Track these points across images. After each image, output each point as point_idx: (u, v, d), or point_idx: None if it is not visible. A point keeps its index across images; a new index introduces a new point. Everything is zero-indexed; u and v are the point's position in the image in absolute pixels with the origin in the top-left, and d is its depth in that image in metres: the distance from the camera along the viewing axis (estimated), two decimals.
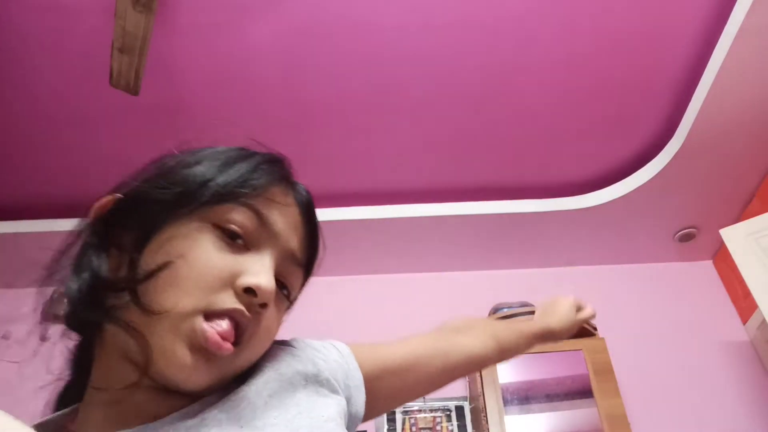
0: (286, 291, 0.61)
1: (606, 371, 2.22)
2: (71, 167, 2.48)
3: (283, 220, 0.60)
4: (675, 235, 2.76)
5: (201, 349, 0.51)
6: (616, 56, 2.14)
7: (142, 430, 0.50)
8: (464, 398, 2.42)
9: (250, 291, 0.53)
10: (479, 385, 2.21)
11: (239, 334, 0.53)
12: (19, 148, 2.40)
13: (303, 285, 0.65)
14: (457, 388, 2.46)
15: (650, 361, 2.55)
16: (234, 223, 0.56)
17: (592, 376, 2.21)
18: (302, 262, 0.62)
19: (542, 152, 2.49)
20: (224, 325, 0.52)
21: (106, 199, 0.63)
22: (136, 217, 0.57)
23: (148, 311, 0.50)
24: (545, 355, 2.28)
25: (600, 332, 2.40)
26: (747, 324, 2.62)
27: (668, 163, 2.38)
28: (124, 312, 0.51)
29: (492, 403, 2.15)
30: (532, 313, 2.35)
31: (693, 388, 2.48)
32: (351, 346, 0.73)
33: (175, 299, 0.50)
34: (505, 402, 2.17)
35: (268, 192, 0.59)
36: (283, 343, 0.64)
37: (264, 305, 0.54)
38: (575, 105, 2.30)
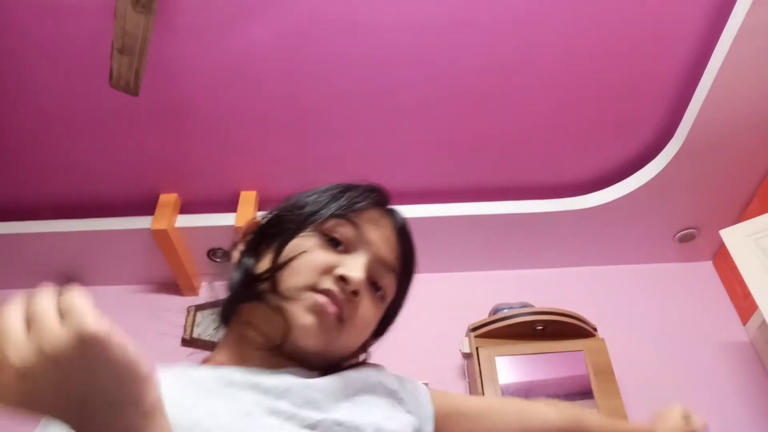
0: (380, 293, 0.75)
1: (606, 372, 2.22)
2: (71, 168, 2.47)
3: (377, 234, 0.76)
4: (675, 235, 2.76)
5: (317, 312, 0.67)
6: (615, 57, 2.14)
7: (258, 371, 0.66)
8: None
9: (342, 279, 0.69)
10: (479, 386, 2.21)
11: (339, 312, 0.69)
12: (19, 149, 2.40)
13: (400, 294, 0.80)
14: (457, 389, 2.46)
15: (650, 361, 2.55)
16: (336, 233, 0.74)
17: (592, 377, 2.21)
18: (394, 268, 0.76)
19: (542, 153, 2.49)
20: (328, 301, 0.68)
21: (254, 222, 0.82)
22: (275, 234, 0.75)
23: (279, 291, 0.69)
24: (545, 356, 2.28)
25: (600, 333, 2.40)
26: (747, 325, 2.62)
27: (668, 164, 2.38)
28: (265, 295, 0.70)
29: None
30: (532, 314, 2.36)
31: (693, 389, 2.48)
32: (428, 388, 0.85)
33: (294, 282, 0.69)
34: None
35: (367, 213, 0.77)
36: (372, 364, 0.79)
37: (355, 292, 0.70)
38: (575, 105, 2.30)
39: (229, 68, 2.14)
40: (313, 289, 0.68)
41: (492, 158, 2.48)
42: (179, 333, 2.69)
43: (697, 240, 2.78)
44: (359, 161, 2.48)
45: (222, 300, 0.75)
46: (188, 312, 2.75)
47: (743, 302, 2.63)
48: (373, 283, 0.74)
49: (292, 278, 0.69)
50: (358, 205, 0.76)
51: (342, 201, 0.76)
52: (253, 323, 0.71)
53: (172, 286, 2.81)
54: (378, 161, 2.48)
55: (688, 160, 2.35)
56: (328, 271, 0.70)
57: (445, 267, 2.83)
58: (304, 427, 0.61)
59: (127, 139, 2.37)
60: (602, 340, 2.32)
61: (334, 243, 0.73)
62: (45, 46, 2.06)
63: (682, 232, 2.74)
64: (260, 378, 0.65)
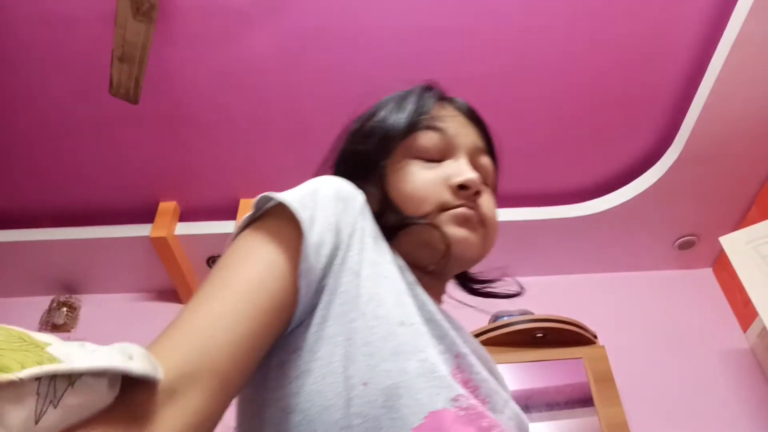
0: (485, 180, 0.76)
1: (606, 379, 2.22)
2: (70, 175, 2.48)
3: (455, 125, 0.76)
4: (674, 242, 2.76)
5: (464, 223, 0.69)
6: (614, 64, 2.15)
7: (437, 305, 0.68)
8: None
9: (462, 187, 0.69)
10: None
11: (477, 216, 0.70)
12: (18, 156, 2.40)
13: (496, 171, 0.81)
14: None
15: (651, 368, 2.54)
16: (424, 149, 0.73)
17: (592, 385, 2.20)
18: (484, 149, 0.78)
19: (541, 160, 2.49)
20: (464, 209, 0.69)
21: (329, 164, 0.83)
22: (364, 171, 0.74)
23: (416, 224, 0.68)
24: (545, 364, 2.27)
25: (600, 340, 2.39)
26: (747, 332, 2.62)
27: (667, 171, 2.38)
28: (403, 229, 0.69)
29: None
30: (532, 321, 2.35)
31: (693, 396, 2.47)
32: None
33: (423, 209, 0.68)
34: None
35: (435, 111, 0.77)
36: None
37: (477, 193, 0.71)
38: (574, 113, 2.30)
39: (229, 77, 2.14)
40: (444, 208, 0.69)
41: None
42: None
43: (697, 247, 2.78)
44: None
45: None
46: None
47: (743, 309, 2.63)
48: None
49: (420, 207, 0.69)
50: (425, 107, 0.76)
51: (411, 113, 0.75)
52: (406, 254, 0.69)
53: (172, 294, 2.81)
54: None
55: (687, 167, 2.35)
56: (443, 186, 0.70)
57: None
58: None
59: (127, 147, 2.37)
60: (602, 347, 2.32)
61: (426, 159, 0.73)
62: (45, 54, 2.07)
63: (681, 239, 2.74)
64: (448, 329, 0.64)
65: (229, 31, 2.02)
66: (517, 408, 0.70)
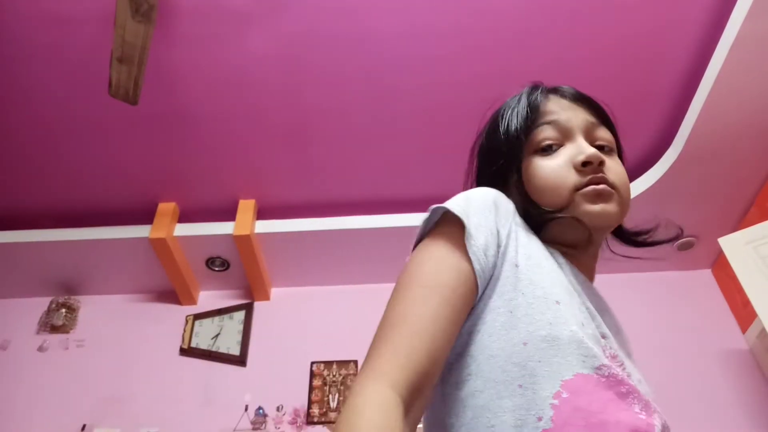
0: (607, 147, 0.84)
1: None
2: (69, 177, 2.47)
3: (564, 111, 0.84)
4: (673, 243, 2.76)
5: (596, 196, 0.77)
6: (613, 65, 2.15)
7: (578, 274, 0.81)
8: None
9: (585, 164, 0.77)
10: None
11: (606, 183, 0.78)
12: (17, 158, 2.40)
13: (616, 137, 0.88)
14: None
15: (650, 369, 2.53)
16: (543, 141, 0.82)
17: None
18: (596, 122, 0.85)
19: None
20: (594, 185, 0.78)
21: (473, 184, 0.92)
22: (499, 175, 0.85)
23: (555, 212, 0.79)
24: None
25: None
26: (746, 333, 2.62)
27: (666, 172, 2.38)
28: (549, 219, 0.80)
29: None
30: None
31: (692, 397, 2.47)
32: None
33: (559, 197, 0.78)
34: None
35: (545, 106, 0.85)
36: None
37: (601, 163, 0.78)
38: None
39: (228, 78, 2.14)
40: (577, 188, 0.77)
41: None
42: (177, 342, 2.69)
43: (696, 248, 2.78)
44: (357, 170, 2.48)
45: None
46: (186, 321, 2.75)
47: (742, 310, 2.63)
48: (599, 147, 0.82)
49: (556, 196, 0.78)
50: (535, 106, 0.85)
51: (525, 116, 0.84)
52: (556, 238, 0.81)
53: (171, 295, 2.81)
54: (376, 170, 2.49)
55: (686, 168, 2.35)
56: (569, 169, 0.79)
57: None
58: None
59: (126, 148, 2.37)
60: None
61: (547, 149, 0.82)
62: (44, 55, 2.07)
63: (680, 240, 2.74)
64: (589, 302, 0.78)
65: (228, 33, 2.02)
66: (649, 389, 0.81)
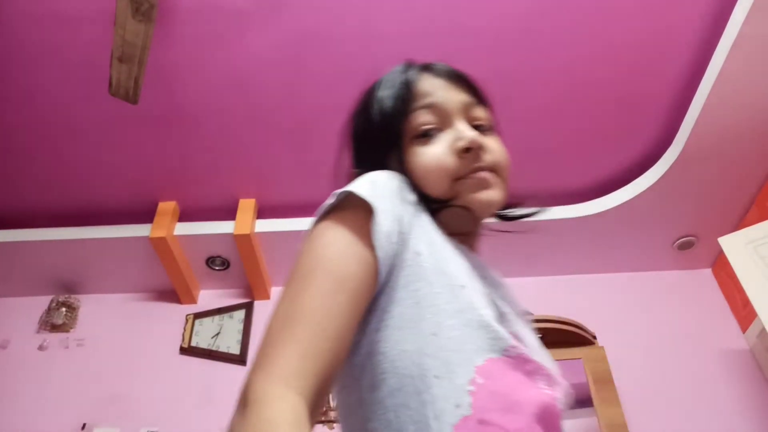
0: (484, 126, 0.84)
1: (605, 380, 2.22)
2: (69, 175, 2.48)
3: (440, 93, 0.82)
4: (674, 243, 2.76)
5: (480, 185, 0.78)
6: (614, 65, 2.15)
7: (472, 256, 0.81)
8: None
9: (466, 150, 0.77)
10: None
11: (488, 168, 0.79)
12: (17, 156, 2.40)
13: (489, 110, 0.88)
14: None
15: (650, 369, 2.54)
16: (422, 126, 0.80)
17: (591, 385, 2.20)
18: (473, 102, 0.85)
19: (540, 161, 2.49)
20: (476, 173, 0.78)
21: (350, 173, 0.89)
22: (373, 162, 0.81)
23: (440, 200, 0.78)
24: None
25: (599, 341, 2.39)
26: (746, 332, 2.62)
27: (666, 172, 2.38)
28: (434, 205, 0.78)
29: None
30: (531, 321, 2.35)
31: (693, 397, 2.47)
32: None
33: (442, 185, 0.77)
34: None
35: (420, 86, 0.83)
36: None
37: (481, 146, 0.78)
38: (574, 113, 2.30)
39: (229, 77, 2.14)
40: (458, 176, 0.78)
41: None
42: (177, 341, 2.69)
43: (696, 248, 2.78)
44: None
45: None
46: (186, 320, 2.75)
47: (742, 310, 2.63)
48: (477, 127, 0.82)
49: (438, 184, 0.78)
50: (412, 87, 0.83)
51: (402, 97, 0.82)
52: (446, 224, 0.79)
53: (171, 294, 2.81)
54: None
55: (686, 167, 2.35)
56: (450, 155, 0.78)
57: None
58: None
59: (126, 147, 2.37)
60: (601, 347, 2.32)
61: (427, 134, 0.80)
62: (44, 55, 2.07)
63: (680, 240, 2.74)
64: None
65: (228, 32, 2.02)
66: (544, 352, 0.83)
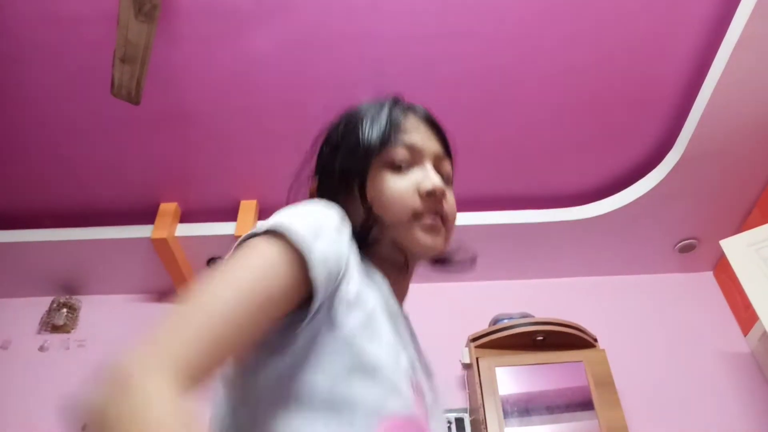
0: (447, 180, 0.88)
1: (606, 383, 2.21)
2: (72, 176, 2.48)
3: (419, 136, 0.86)
4: (675, 245, 2.76)
5: (431, 230, 0.80)
6: (616, 67, 2.15)
7: (400, 309, 0.82)
8: (464, 410, 2.40)
9: (430, 194, 0.80)
10: (479, 397, 2.20)
11: (441, 218, 0.82)
12: (19, 157, 2.40)
13: (452, 165, 0.92)
14: (457, 400, 2.45)
15: (651, 372, 2.54)
16: (395, 159, 0.83)
17: (592, 388, 2.20)
18: (444, 154, 0.88)
19: (542, 162, 2.49)
20: (431, 218, 0.81)
21: (313, 186, 0.94)
22: (343, 183, 0.84)
23: (388, 230, 0.80)
24: (545, 367, 2.27)
25: (600, 343, 2.39)
26: (748, 335, 2.61)
27: (668, 174, 2.38)
28: (383, 234, 0.81)
29: (492, 415, 2.14)
30: (532, 324, 2.35)
31: (694, 400, 2.47)
32: None
33: (398, 217, 0.80)
34: (506, 414, 2.15)
35: (404, 124, 0.87)
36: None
37: (443, 193, 0.81)
38: (576, 115, 2.30)
39: (231, 78, 2.14)
40: (416, 216, 0.80)
41: (492, 168, 2.49)
42: None
43: (698, 250, 2.78)
44: None
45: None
46: None
47: (744, 313, 2.63)
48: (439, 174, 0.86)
49: (398, 215, 0.80)
50: (396, 125, 0.86)
51: (384, 130, 0.85)
52: (378, 257, 0.81)
53: (172, 295, 2.81)
54: None
55: (688, 170, 2.35)
56: (414, 193, 0.81)
57: (445, 277, 2.82)
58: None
59: (128, 147, 2.37)
60: (602, 350, 2.32)
61: (398, 168, 0.83)
62: (47, 55, 2.07)
63: (682, 243, 2.74)
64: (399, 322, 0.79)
65: (230, 32, 2.02)
66: (438, 396, 0.85)
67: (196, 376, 0.57)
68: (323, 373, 0.65)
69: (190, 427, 0.52)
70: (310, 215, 0.70)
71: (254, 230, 0.68)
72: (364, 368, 0.66)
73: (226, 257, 0.68)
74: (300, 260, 0.64)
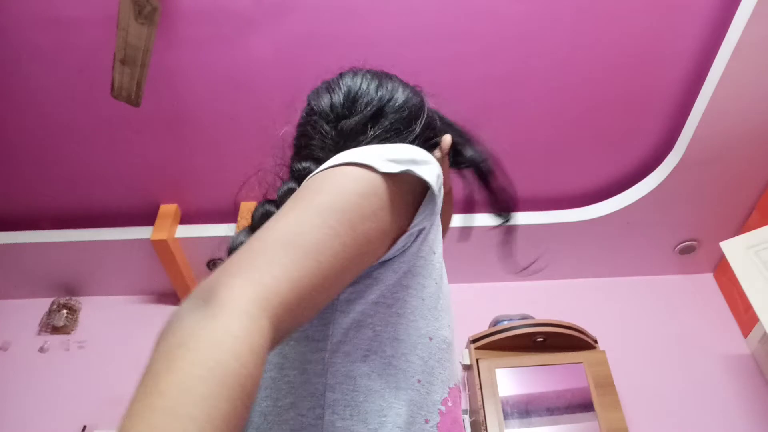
0: None
1: (607, 384, 2.21)
2: (71, 178, 2.48)
3: None
4: (675, 247, 2.76)
5: None
6: (615, 69, 2.15)
7: None
8: (464, 411, 2.40)
9: None
10: (479, 398, 2.20)
11: None
12: (20, 158, 2.41)
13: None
14: None
15: (651, 374, 2.54)
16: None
17: (592, 389, 2.20)
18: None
19: (542, 164, 2.49)
20: None
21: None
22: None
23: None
24: (545, 368, 2.27)
25: (600, 345, 2.39)
26: (748, 337, 2.61)
27: (668, 176, 2.38)
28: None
29: (492, 417, 2.14)
30: (533, 326, 2.35)
31: (694, 402, 2.47)
32: None
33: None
34: (506, 415, 2.15)
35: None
36: None
37: None
38: (575, 117, 2.30)
39: (231, 80, 2.15)
40: None
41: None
42: None
43: (698, 252, 2.78)
44: None
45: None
46: None
47: (744, 315, 2.63)
48: None
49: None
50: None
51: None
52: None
53: (172, 296, 2.81)
54: None
55: (687, 171, 2.35)
56: None
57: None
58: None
59: (128, 149, 2.37)
60: (603, 352, 2.31)
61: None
62: (47, 56, 2.07)
63: (682, 244, 2.74)
64: None
65: (230, 34, 2.02)
66: None
67: (290, 326, 0.51)
68: (409, 323, 0.64)
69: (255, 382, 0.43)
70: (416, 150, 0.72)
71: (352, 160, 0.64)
72: (444, 325, 0.68)
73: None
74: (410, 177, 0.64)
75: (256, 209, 0.82)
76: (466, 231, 2.69)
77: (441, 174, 0.70)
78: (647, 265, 2.86)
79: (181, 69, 2.11)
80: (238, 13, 1.97)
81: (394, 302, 0.64)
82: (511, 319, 2.41)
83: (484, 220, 2.72)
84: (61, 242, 2.57)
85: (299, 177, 0.80)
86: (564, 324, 2.32)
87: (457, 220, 2.74)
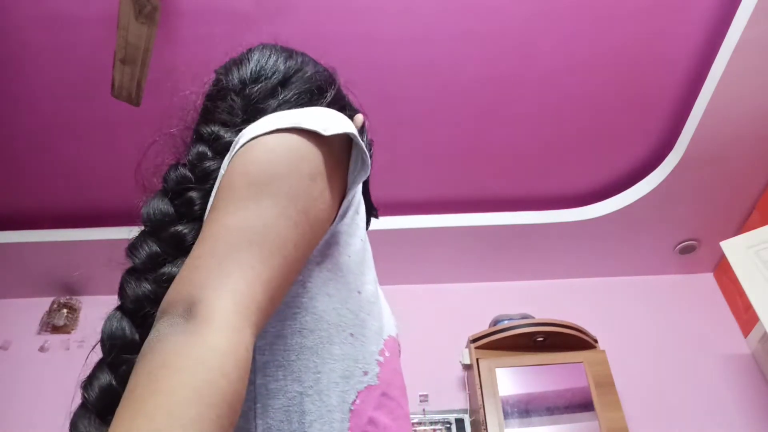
0: None
1: (607, 384, 2.21)
2: (72, 177, 2.48)
3: None
4: (675, 247, 2.76)
5: None
6: (616, 69, 2.15)
7: None
8: (464, 411, 2.41)
9: None
10: (480, 398, 2.20)
11: None
12: (20, 158, 2.41)
13: None
14: (458, 401, 2.45)
15: (651, 373, 2.54)
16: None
17: (592, 389, 2.20)
18: None
19: (542, 164, 2.49)
20: None
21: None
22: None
23: None
24: (545, 368, 2.27)
25: (600, 344, 2.39)
26: (748, 337, 2.61)
27: (668, 176, 2.38)
28: None
29: (492, 416, 2.14)
30: (533, 325, 2.35)
31: (694, 401, 2.47)
32: None
33: None
34: (506, 415, 2.15)
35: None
36: None
37: None
38: (576, 117, 2.30)
39: None
40: None
41: (492, 169, 2.49)
42: None
43: (698, 252, 2.78)
44: None
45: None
46: None
47: (744, 314, 2.63)
48: None
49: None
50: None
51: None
52: None
53: None
54: (378, 172, 2.48)
55: (688, 171, 2.35)
56: None
57: (445, 278, 2.82)
58: None
59: (129, 149, 2.37)
60: (603, 351, 2.32)
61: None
62: (47, 56, 2.07)
63: (682, 244, 2.74)
64: None
65: (230, 34, 2.02)
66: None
67: (262, 325, 0.51)
68: (339, 278, 0.64)
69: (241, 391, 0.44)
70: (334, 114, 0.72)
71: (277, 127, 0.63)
72: (371, 279, 0.68)
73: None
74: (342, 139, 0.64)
75: (169, 172, 0.80)
76: (466, 231, 2.71)
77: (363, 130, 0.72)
78: (647, 265, 2.86)
79: (181, 68, 2.11)
80: (237, 13, 1.97)
81: (323, 259, 0.64)
82: (511, 319, 2.41)
83: (485, 219, 2.72)
84: (61, 241, 2.58)
85: (208, 141, 0.81)
86: (564, 323, 2.32)
87: (459, 220, 2.73)
